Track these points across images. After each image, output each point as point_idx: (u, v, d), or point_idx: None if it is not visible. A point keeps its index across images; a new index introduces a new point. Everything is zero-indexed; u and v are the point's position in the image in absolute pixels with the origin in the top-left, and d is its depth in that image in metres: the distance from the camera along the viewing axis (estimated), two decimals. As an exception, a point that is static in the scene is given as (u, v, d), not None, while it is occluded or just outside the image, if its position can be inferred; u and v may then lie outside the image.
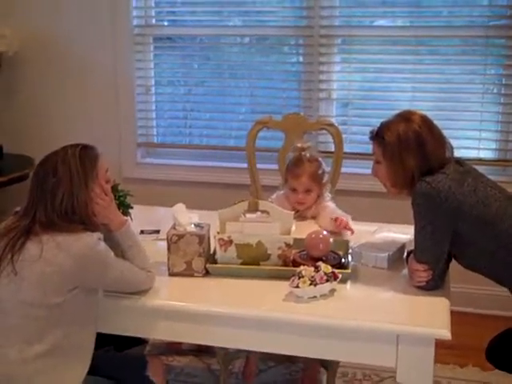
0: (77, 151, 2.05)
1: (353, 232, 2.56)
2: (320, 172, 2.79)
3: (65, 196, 2.00)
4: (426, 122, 2.22)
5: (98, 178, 2.07)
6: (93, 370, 2.07)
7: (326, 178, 2.83)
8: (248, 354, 2.95)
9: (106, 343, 2.52)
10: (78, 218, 2.01)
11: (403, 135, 2.18)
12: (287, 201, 2.80)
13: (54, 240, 1.95)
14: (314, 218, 2.79)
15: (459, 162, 2.24)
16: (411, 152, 2.17)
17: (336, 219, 2.57)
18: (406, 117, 2.23)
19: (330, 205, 2.79)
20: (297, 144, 2.87)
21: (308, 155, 2.80)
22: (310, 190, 2.77)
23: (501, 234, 2.12)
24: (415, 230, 2.16)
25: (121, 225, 2.14)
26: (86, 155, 2.06)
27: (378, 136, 2.25)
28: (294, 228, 2.35)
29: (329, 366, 2.85)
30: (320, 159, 2.83)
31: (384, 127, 2.24)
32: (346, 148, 3.37)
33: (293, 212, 2.38)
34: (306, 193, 2.76)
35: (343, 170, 3.21)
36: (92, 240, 1.98)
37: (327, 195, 2.83)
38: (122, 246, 2.13)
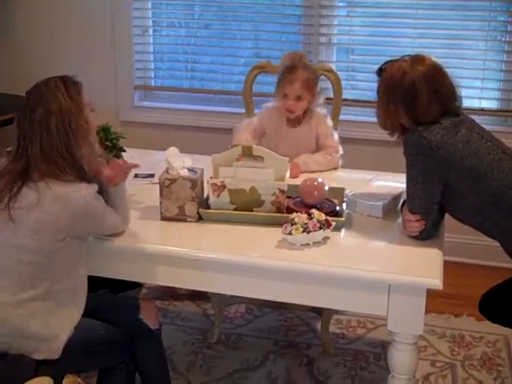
0: (57, 79, 2.03)
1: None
2: (313, 79, 2.77)
3: (58, 123, 1.95)
4: (431, 73, 2.10)
5: (84, 101, 2.03)
6: (87, 313, 2.08)
7: (318, 86, 2.81)
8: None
9: (103, 286, 2.53)
10: (77, 153, 1.98)
11: (396, 81, 2.11)
12: (277, 110, 2.81)
13: (51, 189, 1.93)
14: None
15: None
16: (397, 100, 2.11)
17: (291, 167, 2.59)
18: (412, 62, 2.12)
19: (321, 117, 2.82)
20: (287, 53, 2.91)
21: (302, 62, 2.80)
22: (302, 97, 2.75)
23: (490, 189, 2.06)
24: (407, 179, 2.14)
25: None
26: (68, 81, 2.03)
27: (379, 71, 2.21)
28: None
29: (323, 312, 2.87)
30: (313, 68, 2.84)
31: (386, 65, 2.18)
32: (348, 95, 3.31)
33: (287, 158, 2.33)
34: (296, 100, 2.75)
35: (343, 117, 3.15)
36: (89, 193, 1.97)
37: (318, 104, 2.83)
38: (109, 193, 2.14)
